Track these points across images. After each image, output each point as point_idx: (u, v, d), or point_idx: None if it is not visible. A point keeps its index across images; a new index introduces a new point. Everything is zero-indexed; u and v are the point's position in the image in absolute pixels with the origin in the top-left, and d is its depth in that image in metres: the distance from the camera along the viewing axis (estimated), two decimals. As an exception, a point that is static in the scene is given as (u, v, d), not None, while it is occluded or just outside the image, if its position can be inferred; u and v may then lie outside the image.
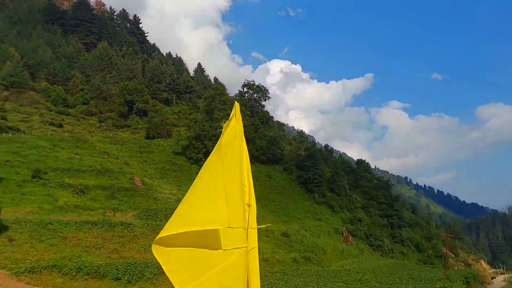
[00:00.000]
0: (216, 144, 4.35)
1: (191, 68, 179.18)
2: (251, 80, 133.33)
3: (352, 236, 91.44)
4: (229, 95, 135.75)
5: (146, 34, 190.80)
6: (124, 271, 37.36)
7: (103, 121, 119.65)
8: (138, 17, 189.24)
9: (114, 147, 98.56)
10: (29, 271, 33.93)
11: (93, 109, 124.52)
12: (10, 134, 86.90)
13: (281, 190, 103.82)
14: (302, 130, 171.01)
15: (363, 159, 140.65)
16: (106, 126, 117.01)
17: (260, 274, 4.29)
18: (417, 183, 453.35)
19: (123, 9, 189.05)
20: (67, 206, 54.12)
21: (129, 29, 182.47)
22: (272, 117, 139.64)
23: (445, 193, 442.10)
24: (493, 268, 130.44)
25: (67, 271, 35.23)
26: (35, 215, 45.69)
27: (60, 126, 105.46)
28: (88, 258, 38.66)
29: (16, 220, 41.01)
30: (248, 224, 4.20)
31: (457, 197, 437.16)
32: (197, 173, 4.42)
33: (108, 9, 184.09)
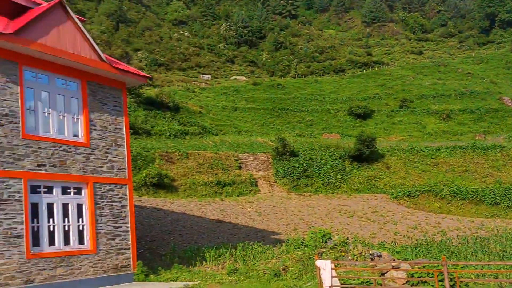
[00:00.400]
0: None
1: None
2: None
3: None
4: None
5: None
6: (503, 196, 35.51)
7: (463, 41, 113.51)
8: None
9: (478, 66, 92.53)
10: (407, 195, 36.36)
11: (452, 30, 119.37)
12: (375, 68, 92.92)
13: None
14: None
15: None
16: (466, 46, 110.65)
17: None
18: None
19: None
20: (435, 132, 54.69)
21: None
22: None
23: None
24: None
25: (443, 196, 36.07)
26: (406, 142, 48.13)
27: (420, 53, 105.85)
28: (462, 183, 38.44)
29: (390, 148, 44.21)
30: None
31: None
32: None
33: None
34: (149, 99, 51.21)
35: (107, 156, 14.28)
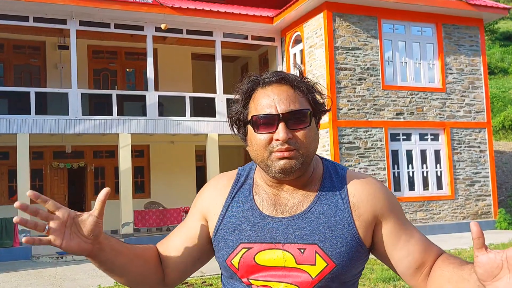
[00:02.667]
0: None
1: None
2: None
3: None
4: None
5: None
6: None
7: None
8: None
9: None
10: None
11: None
12: None
13: None
14: None
15: None
16: None
17: None
18: None
19: None
20: None
21: None
22: None
23: None
24: None
25: None
26: None
27: None
28: None
29: None
30: None
31: None
32: None
33: None
34: (505, 34, 44.48)
35: (464, 99, 12.96)
